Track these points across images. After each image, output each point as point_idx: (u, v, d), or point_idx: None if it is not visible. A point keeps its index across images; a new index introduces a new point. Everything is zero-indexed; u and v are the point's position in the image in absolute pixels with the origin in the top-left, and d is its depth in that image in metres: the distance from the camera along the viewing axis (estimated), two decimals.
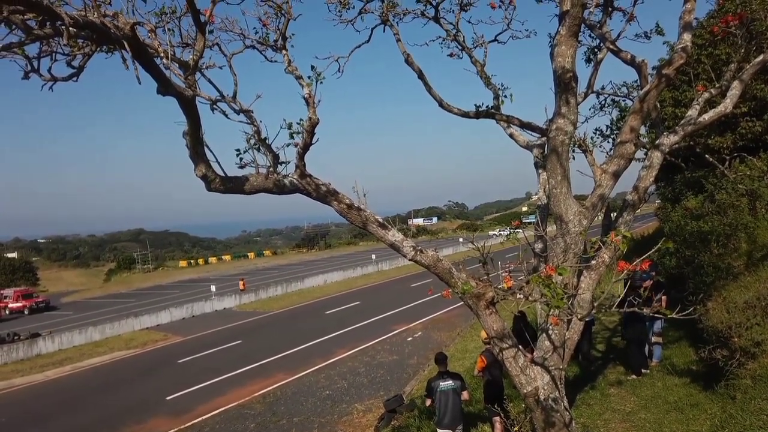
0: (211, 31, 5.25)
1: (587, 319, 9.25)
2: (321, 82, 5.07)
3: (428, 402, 8.37)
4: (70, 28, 2.99)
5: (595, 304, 5.05)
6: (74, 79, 4.01)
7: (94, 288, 75.21)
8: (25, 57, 3.72)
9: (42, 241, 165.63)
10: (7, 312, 48.70)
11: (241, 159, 4.94)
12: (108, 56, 4.78)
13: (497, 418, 8.23)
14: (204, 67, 5.11)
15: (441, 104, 8.39)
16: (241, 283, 45.67)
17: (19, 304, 49.42)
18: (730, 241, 10.59)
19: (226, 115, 5.13)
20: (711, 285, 10.02)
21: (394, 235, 5.31)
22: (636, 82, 9.36)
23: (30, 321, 42.77)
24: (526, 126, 8.20)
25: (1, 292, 52.36)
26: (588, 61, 9.52)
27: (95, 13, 3.17)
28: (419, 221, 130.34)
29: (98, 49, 4.18)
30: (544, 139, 8.06)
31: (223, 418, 14.81)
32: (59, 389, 20.60)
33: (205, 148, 4.38)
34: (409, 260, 5.29)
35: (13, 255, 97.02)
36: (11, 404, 18.99)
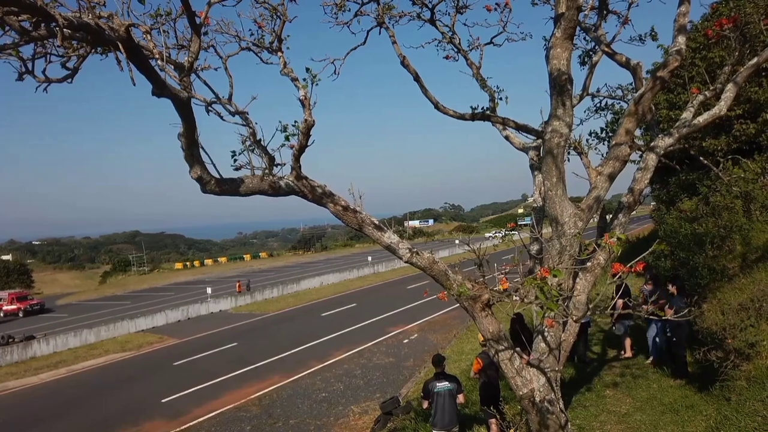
0: (206, 33, 5.25)
1: (583, 321, 9.26)
2: (317, 84, 5.08)
3: (425, 404, 8.37)
4: (65, 30, 2.98)
5: (591, 306, 5.05)
6: (69, 80, 4.00)
7: (90, 290, 74.90)
8: (20, 58, 3.71)
9: (37, 243, 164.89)
10: (1, 314, 48.47)
11: (236, 161, 4.93)
12: (103, 58, 4.77)
13: (493, 420, 8.23)
14: (199, 68, 5.10)
15: (437, 106, 8.40)
16: (238, 285, 45.52)
17: (13, 307, 49.18)
18: (725, 243, 10.62)
19: (222, 117, 5.13)
20: (706, 287, 10.04)
21: (390, 237, 5.31)
22: (631, 84, 9.43)
23: (25, 323, 42.55)
24: (521, 128, 8.21)
25: None
26: (583, 63, 9.56)
27: (90, 15, 3.16)
28: (415, 223, 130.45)
29: (93, 50, 4.17)
30: (539, 141, 8.09)
31: (219, 421, 14.76)
32: (54, 392, 20.50)
33: (201, 149, 4.36)
34: (405, 262, 5.29)
35: (8, 257, 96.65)
36: (5, 407, 18.87)
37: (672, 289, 9.40)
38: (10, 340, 30.53)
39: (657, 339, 10.16)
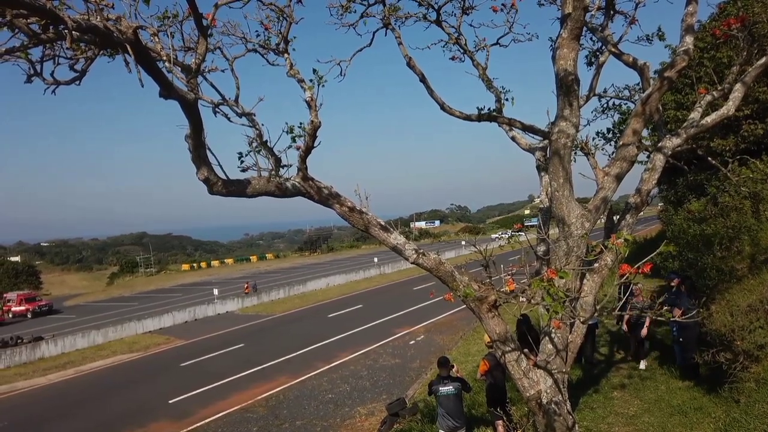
0: (212, 35, 5.27)
1: (590, 323, 9.21)
2: (323, 86, 5.09)
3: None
4: (73, 32, 3.01)
5: (598, 307, 5.03)
6: (77, 82, 4.03)
7: (97, 291, 75.33)
8: (28, 61, 3.74)
9: (45, 244, 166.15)
10: (10, 315, 48.83)
11: (243, 162, 4.95)
12: (110, 60, 4.81)
13: (500, 422, 8.21)
14: (206, 70, 5.14)
15: (443, 107, 8.39)
16: (246, 286, 45.62)
17: (22, 308, 49.56)
18: (733, 243, 10.55)
19: (228, 119, 5.15)
20: (714, 288, 9.97)
21: (396, 238, 5.31)
22: (638, 85, 9.40)
23: (33, 324, 42.86)
24: (528, 129, 8.19)
25: (5, 295, 52.59)
26: (590, 64, 9.53)
27: (98, 17, 3.18)
28: (421, 224, 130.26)
29: (101, 52, 4.20)
30: (546, 142, 8.05)
31: (226, 422, 14.79)
32: (62, 393, 20.62)
33: (207, 151, 4.39)
34: (412, 263, 5.28)
35: (17, 259, 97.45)
36: (13, 408, 19.00)
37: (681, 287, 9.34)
38: (19, 341, 30.77)
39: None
